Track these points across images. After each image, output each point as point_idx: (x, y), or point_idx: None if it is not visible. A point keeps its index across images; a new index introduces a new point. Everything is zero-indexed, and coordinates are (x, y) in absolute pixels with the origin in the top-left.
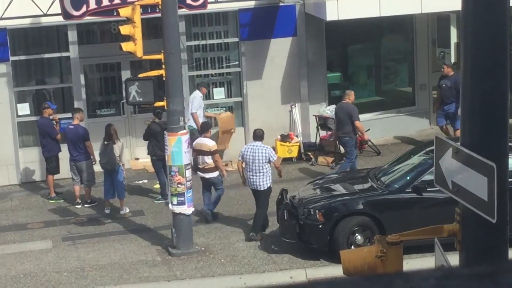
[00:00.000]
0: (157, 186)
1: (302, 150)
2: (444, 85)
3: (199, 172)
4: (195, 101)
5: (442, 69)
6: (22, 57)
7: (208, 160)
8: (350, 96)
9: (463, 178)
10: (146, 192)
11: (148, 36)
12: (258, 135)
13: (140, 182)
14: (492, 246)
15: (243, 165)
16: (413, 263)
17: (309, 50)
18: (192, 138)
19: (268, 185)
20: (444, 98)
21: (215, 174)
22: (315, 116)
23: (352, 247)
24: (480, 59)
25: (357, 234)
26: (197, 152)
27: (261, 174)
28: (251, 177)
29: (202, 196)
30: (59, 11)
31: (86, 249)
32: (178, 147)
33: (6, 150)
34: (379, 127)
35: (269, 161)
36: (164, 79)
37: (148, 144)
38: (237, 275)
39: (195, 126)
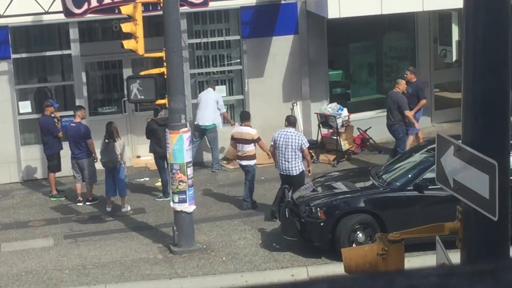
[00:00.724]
0: (159, 184)
1: None
2: (406, 91)
3: (237, 160)
4: (221, 100)
5: (405, 75)
6: (24, 55)
7: (248, 148)
8: (400, 85)
9: (465, 176)
10: (147, 190)
11: (149, 34)
12: (292, 122)
13: (142, 180)
14: (494, 244)
15: (275, 150)
16: (414, 261)
17: (311, 48)
18: (214, 135)
19: (301, 170)
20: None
21: (251, 162)
22: (317, 114)
23: (354, 245)
24: (482, 57)
25: (358, 232)
26: (236, 141)
27: (294, 159)
28: (283, 162)
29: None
30: (61, 9)
31: (88, 247)
32: (179, 145)
33: (8, 148)
34: (381, 125)
35: (301, 148)
36: (165, 77)
37: (150, 141)
38: (238, 273)
39: (217, 124)
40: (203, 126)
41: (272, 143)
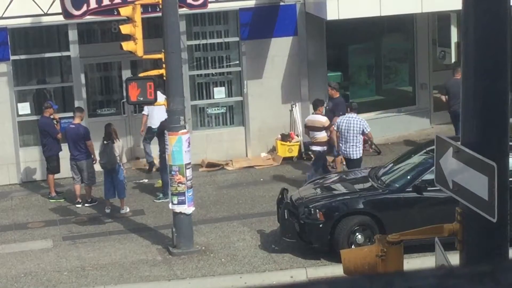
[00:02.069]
0: (158, 185)
1: (303, 150)
2: (327, 107)
3: (309, 146)
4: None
5: (328, 92)
6: (23, 57)
7: (319, 135)
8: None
9: (464, 178)
10: (146, 191)
11: (148, 36)
12: (354, 108)
13: (141, 181)
14: (493, 245)
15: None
16: (413, 263)
17: (310, 49)
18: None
19: (360, 155)
20: None
21: (320, 148)
22: None
23: (353, 246)
24: (481, 58)
25: (357, 234)
26: (309, 128)
27: (355, 143)
28: (344, 146)
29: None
30: (60, 11)
31: (87, 249)
32: (178, 146)
33: (7, 150)
34: (380, 126)
35: (363, 133)
36: (164, 78)
37: (159, 141)
38: (237, 274)
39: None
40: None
41: (336, 128)
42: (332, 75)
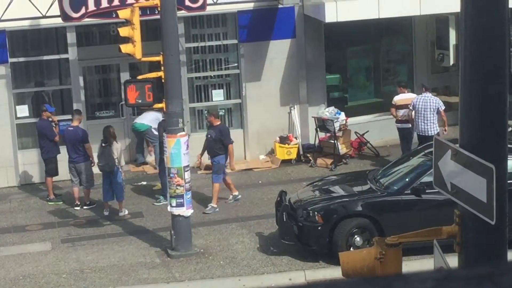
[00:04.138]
0: (157, 187)
1: (301, 152)
2: (209, 135)
3: (397, 124)
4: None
5: (208, 120)
6: (21, 59)
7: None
8: None
9: (462, 180)
10: (145, 193)
11: (147, 38)
12: (428, 88)
13: (139, 184)
14: (491, 248)
15: (413, 114)
16: (412, 265)
17: (308, 52)
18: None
19: (437, 131)
20: (208, 150)
21: (409, 125)
22: (314, 117)
23: (351, 249)
24: (479, 60)
25: (356, 236)
26: (398, 107)
27: (431, 121)
28: (421, 124)
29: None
30: (58, 13)
31: (85, 251)
32: (177, 148)
33: (5, 152)
34: (378, 128)
35: (438, 110)
36: (163, 81)
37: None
38: (236, 277)
39: (147, 124)
40: (137, 125)
41: (411, 107)
42: (331, 78)
